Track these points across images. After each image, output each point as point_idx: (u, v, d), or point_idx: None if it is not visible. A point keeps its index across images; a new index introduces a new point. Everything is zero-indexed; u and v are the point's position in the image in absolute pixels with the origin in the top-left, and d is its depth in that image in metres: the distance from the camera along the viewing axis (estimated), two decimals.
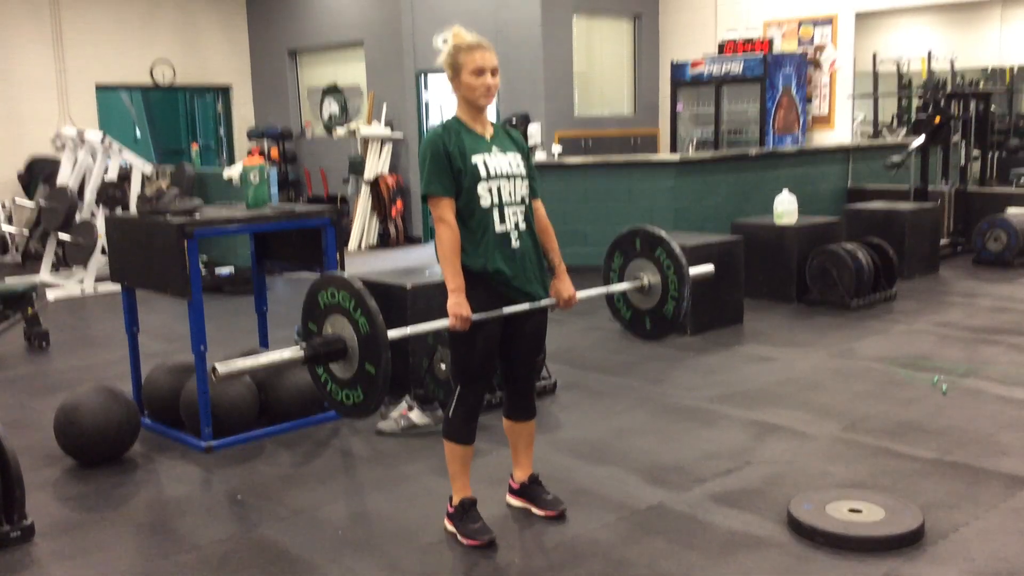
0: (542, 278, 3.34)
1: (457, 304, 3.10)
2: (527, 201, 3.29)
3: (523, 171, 3.28)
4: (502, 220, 3.20)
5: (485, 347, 3.23)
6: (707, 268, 3.95)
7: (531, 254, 3.28)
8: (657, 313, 3.75)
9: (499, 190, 3.20)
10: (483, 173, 3.18)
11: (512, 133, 3.39)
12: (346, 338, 2.95)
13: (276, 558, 3.28)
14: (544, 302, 3.35)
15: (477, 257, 3.18)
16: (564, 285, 3.40)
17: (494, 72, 3.23)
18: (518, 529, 3.44)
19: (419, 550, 3.30)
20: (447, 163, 3.15)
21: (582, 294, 3.49)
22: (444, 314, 3.14)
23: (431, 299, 4.74)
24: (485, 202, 3.18)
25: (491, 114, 3.43)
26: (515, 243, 3.22)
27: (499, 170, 3.21)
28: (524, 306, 3.26)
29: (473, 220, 3.17)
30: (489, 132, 3.29)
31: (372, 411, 2.99)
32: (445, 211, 3.14)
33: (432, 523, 3.48)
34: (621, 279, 3.82)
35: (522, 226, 3.25)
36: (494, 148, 3.25)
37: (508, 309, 3.22)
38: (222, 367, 2.81)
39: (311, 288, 3.08)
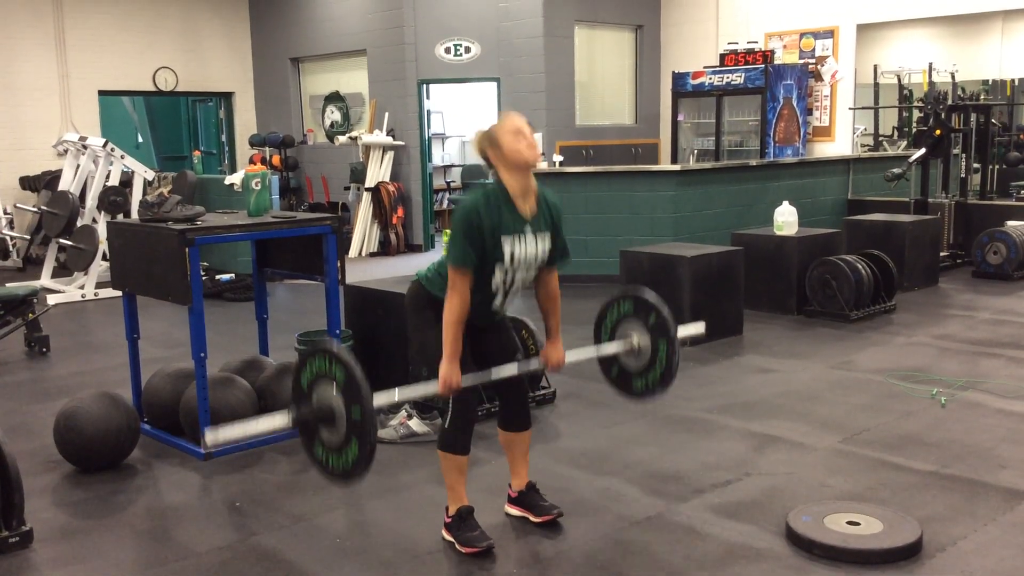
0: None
1: (450, 371, 3.14)
2: (533, 280, 3.36)
3: (545, 258, 3.30)
4: (498, 299, 3.29)
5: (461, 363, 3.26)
6: (697, 328, 3.98)
7: (502, 307, 3.36)
8: (645, 375, 3.78)
9: (512, 278, 3.26)
10: (506, 259, 3.19)
11: (552, 205, 3.34)
12: (334, 405, 2.95)
13: (274, 566, 3.28)
14: (533, 366, 3.46)
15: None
16: (556, 350, 3.46)
17: (532, 132, 3.22)
18: (515, 539, 3.44)
19: (417, 559, 3.30)
20: (479, 238, 3.14)
21: (571, 356, 3.53)
22: None
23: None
24: (494, 283, 3.23)
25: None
26: (495, 304, 3.31)
27: (522, 259, 3.23)
28: (512, 367, 3.34)
29: (474, 286, 3.19)
30: (531, 206, 3.24)
31: (359, 478, 2.95)
32: (463, 283, 3.15)
33: (430, 532, 3.48)
34: (612, 337, 3.85)
35: (511, 296, 3.34)
36: (528, 229, 3.23)
37: (497, 372, 3.30)
38: (211, 437, 2.81)
39: (301, 355, 3.10)
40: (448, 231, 3.26)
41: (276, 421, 2.97)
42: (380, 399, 2.95)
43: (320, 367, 2.95)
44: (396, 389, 3.10)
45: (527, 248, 3.23)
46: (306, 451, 3.06)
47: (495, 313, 3.37)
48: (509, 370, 3.32)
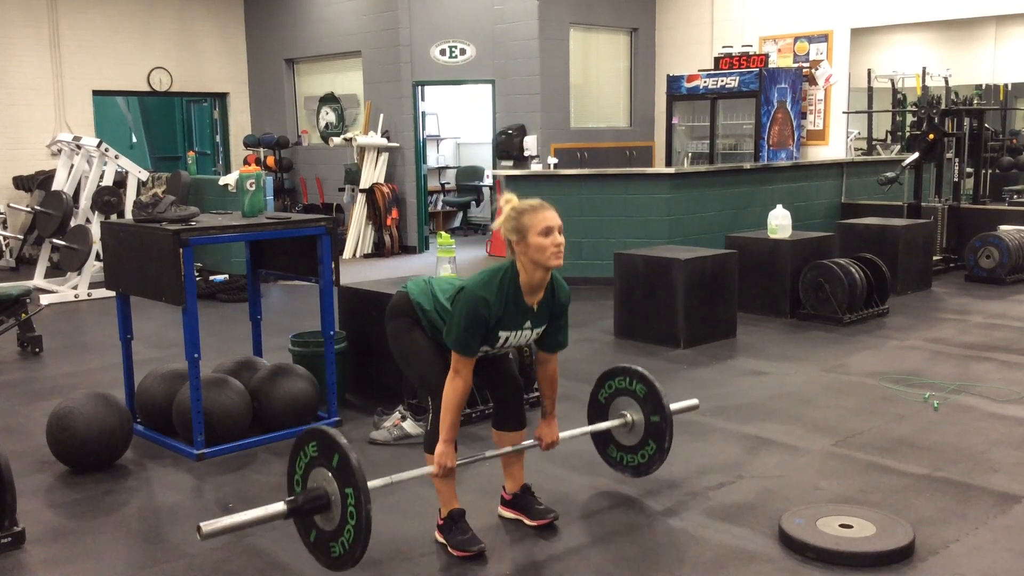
0: None
1: (444, 455, 3.19)
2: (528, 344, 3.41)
3: (534, 337, 3.32)
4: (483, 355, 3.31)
5: (442, 361, 3.28)
6: (691, 403, 4.05)
7: None
8: (637, 452, 3.86)
9: (499, 348, 3.30)
10: (499, 344, 3.24)
11: (559, 300, 3.31)
12: (328, 492, 2.96)
13: (267, 567, 3.27)
14: (526, 444, 3.52)
15: (437, 331, 3.29)
16: (550, 430, 3.54)
17: (560, 231, 3.15)
18: (509, 541, 3.44)
19: (410, 560, 3.30)
20: (483, 329, 3.15)
21: (565, 435, 3.61)
22: None
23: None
24: (480, 352, 3.25)
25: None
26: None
27: (512, 343, 3.28)
28: (507, 449, 3.45)
29: None
30: (538, 299, 3.24)
31: (355, 563, 2.97)
32: (466, 369, 3.17)
33: (423, 533, 3.48)
34: (607, 413, 3.94)
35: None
36: (527, 323, 3.25)
37: (490, 453, 3.42)
38: (206, 527, 2.81)
39: (296, 440, 3.11)
40: (454, 315, 3.20)
41: (271, 509, 2.98)
42: (375, 483, 3.01)
43: (319, 452, 3.00)
44: (391, 476, 3.21)
45: (520, 337, 3.28)
46: (299, 534, 3.14)
47: None
48: (503, 451, 3.46)
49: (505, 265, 3.20)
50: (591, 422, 3.97)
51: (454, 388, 3.16)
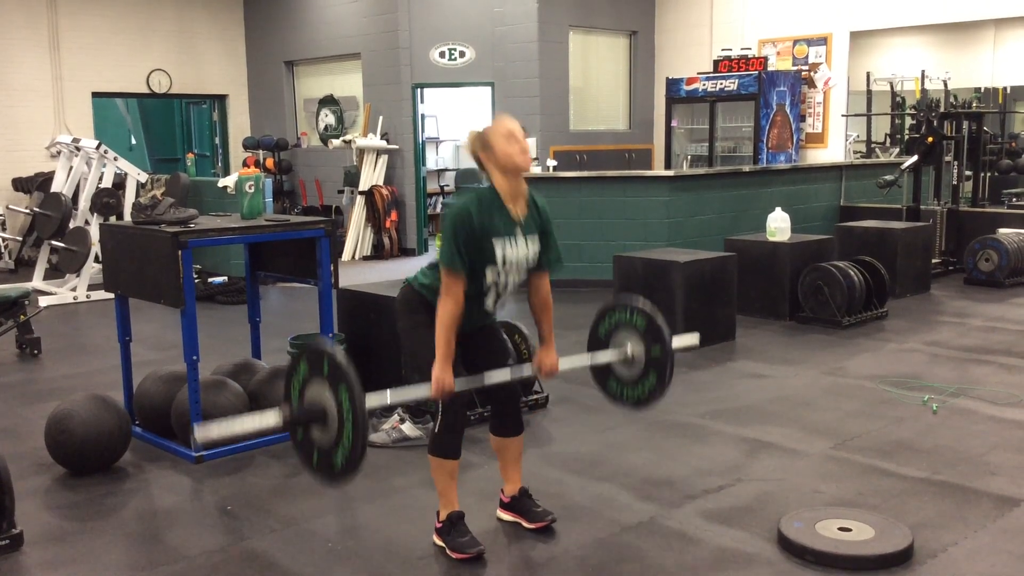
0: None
1: (443, 374, 3.13)
2: (525, 280, 3.36)
3: (535, 258, 3.31)
4: (490, 300, 3.29)
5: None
6: (692, 339, 3.96)
7: (494, 308, 3.37)
8: (638, 385, 3.75)
9: (504, 277, 3.26)
10: (498, 259, 3.20)
11: (541, 209, 3.36)
12: (326, 405, 2.93)
13: (265, 569, 3.27)
14: (526, 372, 3.44)
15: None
16: (548, 356, 3.45)
17: (523, 136, 3.22)
18: (507, 544, 3.44)
19: (408, 563, 3.30)
20: (470, 241, 3.14)
21: (564, 364, 3.52)
22: None
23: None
24: (487, 282, 3.23)
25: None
26: (487, 306, 3.32)
27: (513, 262, 3.24)
28: (505, 373, 3.32)
29: (467, 289, 3.19)
30: (521, 208, 3.26)
31: (357, 466, 2.94)
32: (456, 287, 3.15)
33: (421, 536, 3.47)
34: (607, 346, 3.82)
35: (503, 297, 3.34)
36: (518, 232, 3.24)
37: (490, 377, 3.28)
38: (200, 432, 2.80)
39: (295, 353, 3.08)
40: (440, 234, 3.25)
41: (267, 419, 2.95)
42: (372, 400, 2.94)
43: (312, 366, 2.94)
44: (388, 391, 3.10)
45: (518, 250, 3.24)
46: (297, 451, 3.05)
47: (487, 315, 3.37)
48: (501, 375, 3.31)
49: (482, 186, 3.27)
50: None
51: (445, 308, 3.14)
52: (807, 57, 11.45)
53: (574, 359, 3.56)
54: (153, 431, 4.65)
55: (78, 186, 9.44)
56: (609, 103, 12.53)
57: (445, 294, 3.15)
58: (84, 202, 9.22)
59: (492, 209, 3.19)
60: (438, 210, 14.05)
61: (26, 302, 6.53)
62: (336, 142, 12.18)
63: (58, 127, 12.06)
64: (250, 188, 4.75)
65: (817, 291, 6.99)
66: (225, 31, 13.75)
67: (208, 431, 2.81)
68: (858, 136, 11.78)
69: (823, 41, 11.28)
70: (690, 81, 11.47)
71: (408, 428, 4.52)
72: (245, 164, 12.93)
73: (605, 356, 3.69)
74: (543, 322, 3.46)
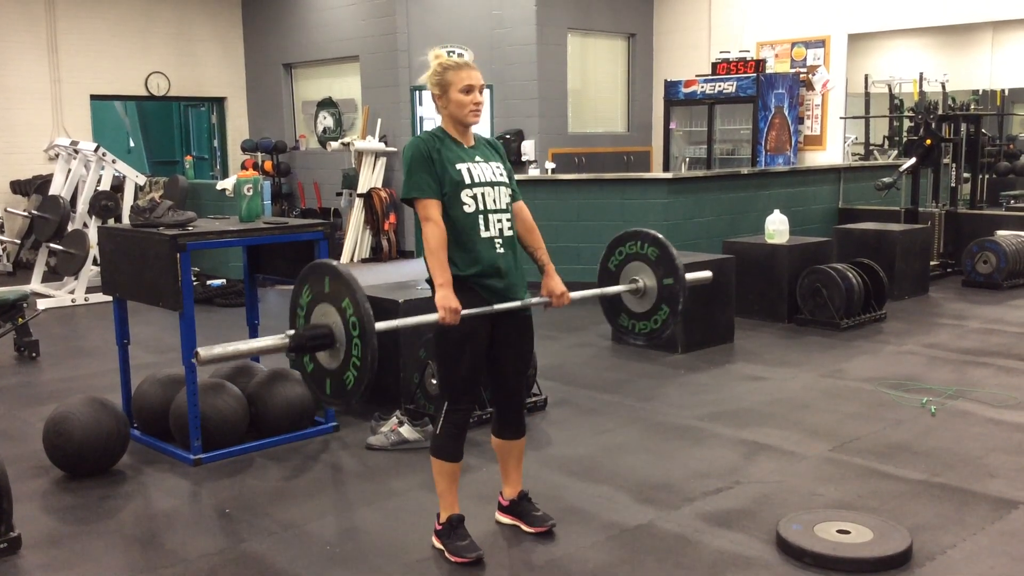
0: (525, 286, 3.37)
1: (445, 298, 3.10)
2: (510, 209, 3.33)
3: (505, 179, 3.32)
4: (487, 227, 3.23)
5: (472, 359, 3.25)
6: (705, 274, 3.90)
7: (516, 262, 3.32)
8: (650, 318, 3.70)
9: (483, 196, 3.24)
10: (467, 180, 3.21)
11: (493, 143, 3.44)
12: (333, 328, 2.90)
13: (263, 572, 3.27)
14: (536, 300, 3.35)
15: (466, 264, 3.21)
16: (555, 282, 3.39)
17: (481, 90, 3.31)
18: (506, 547, 3.44)
19: (407, 566, 3.30)
20: (431, 167, 3.19)
21: (575, 294, 3.46)
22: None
23: (422, 313, 4.74)
24: (469, 208, 3.21)
25: (483, 130, 3.47)
26: (499, 249, 3.25)
27: (482, 177, 3.25)
28: (516, 304, 3.26)
29: (458, 227, 3.20)
30: (471, 143, 3.34)
31: (355, 400, 2.93)
32: (431, 210, 3.17)
33: (420, 539, 3.47)
34: (618, 280, 3.75)
35: (507, 233, 3.29)
36: (477, 157, 3.29)
37: (499, 306, 3.22)
38: (204, 352, 2.78)
39: (300, 276, 3.06)
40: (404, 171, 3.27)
41: (271, 340, 2.94)
42: (380, 324, 2.89)
43: (313, 287, 2.94)
44: (397, 321, 3.14)
45: (483, 170, 3.26)
46: (309, 385, 3.08)
47: (500, 255, 3.24)
48: (513, 304, 3.24)
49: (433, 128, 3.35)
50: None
51: (429, 233, 3.14)
52: (805, 59, 11.46)
53: (584, 291, 3.52)
54: (151, 434, 4.65)
55: (76, 189, 9.44)
56: (607, 105, 12.54)
57: (425, 222, 3.16)
58: (82, 205, 9.21)
59: (445, 140, 3.27)
60: None
61: (24, 305, 6.52)
62: (335, 144, 12.17)
63: (56, 130, 12.05)
64: (248, 191, 4.75)
65: (815, 293, 6.99)
66: (223, 34, 13.76)
67: (211, 350, 2.80)
68: (856, 138, 11.80)
69: (821, 43, 11.30)
70: (688, 83, 11.48)
71: (407, 431, 4.52)
72: (243, 167, 12.92)
73: (616, 288, 3.63)
74: (536, 248, 3.42)
